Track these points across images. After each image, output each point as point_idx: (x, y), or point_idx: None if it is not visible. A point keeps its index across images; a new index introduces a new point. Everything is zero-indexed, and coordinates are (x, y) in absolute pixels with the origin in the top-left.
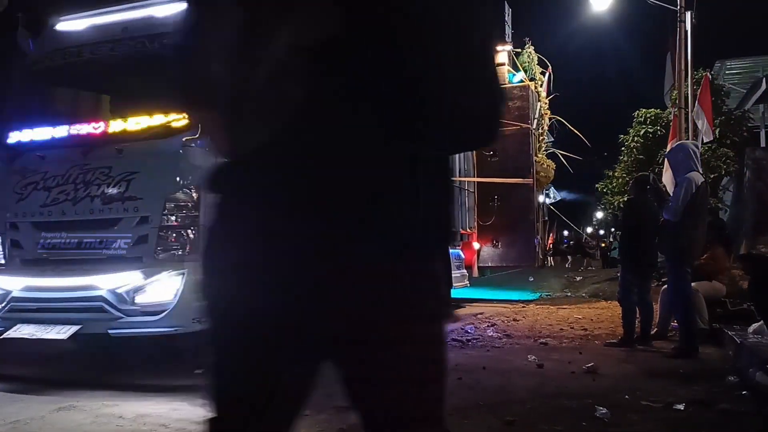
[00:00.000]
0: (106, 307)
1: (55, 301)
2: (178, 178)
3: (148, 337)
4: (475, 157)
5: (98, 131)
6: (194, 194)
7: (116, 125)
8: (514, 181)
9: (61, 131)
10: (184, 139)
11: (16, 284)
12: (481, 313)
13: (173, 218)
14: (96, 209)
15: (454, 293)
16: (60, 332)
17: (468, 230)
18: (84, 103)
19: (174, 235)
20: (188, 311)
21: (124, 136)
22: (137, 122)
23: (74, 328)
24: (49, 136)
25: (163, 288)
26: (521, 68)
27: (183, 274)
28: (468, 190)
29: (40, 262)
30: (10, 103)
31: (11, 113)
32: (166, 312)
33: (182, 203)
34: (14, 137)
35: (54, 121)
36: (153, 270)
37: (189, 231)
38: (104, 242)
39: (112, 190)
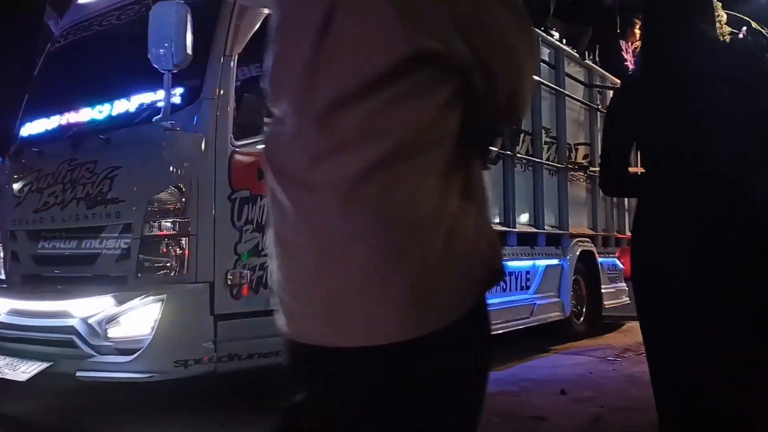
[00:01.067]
0: (76, 341)
1: (29, 330)
2: (161, 174)
3: (118, 383)
4: None
5: (84, 117)
6: (182, 194)
7: (102, 107)
8: None
9: (54, 121)
10: (165, 123)
11: (2, 307)
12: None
13: (156, 226)
14: (81, 215)
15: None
16: (25, 371)
17: (630, 233)
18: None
19: (157, 248)
20: (168, 351)
21: (109, 122)
22: (121, 102)
23: (42, 367)
24: (43, 128)
25: (136, 319)
26: None
27: (162, 300)
28: None
29: (34, 279)
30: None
31: (26, 101)
32: (139, 351)
33: (168, 206)
34: (27, 128)
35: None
36: (128, 294)
37: (174, 243)
38: (91, 257)
39: (95, 190)
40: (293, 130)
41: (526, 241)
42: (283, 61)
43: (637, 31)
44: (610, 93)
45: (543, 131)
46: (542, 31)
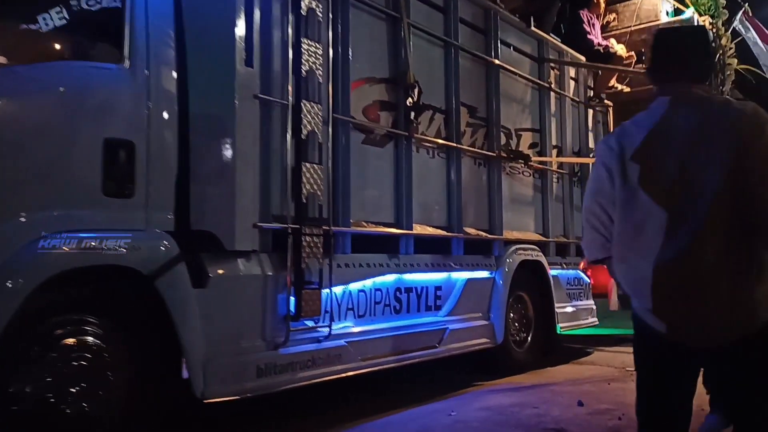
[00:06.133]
0: None
1: None
2: None
3: None
4: (611, 128)
5: None
6: None
7: None
8: None
9: None
10: None
11: None
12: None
13: None
14: None
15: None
16: None
17: None
18: None
19: None
20: None
21: None
22: None
23: None
24: None
25: None
26: (691, 2)
27: None
28: None
29: None
30: None
31: None
32: None
33: None
34: None
35: None
36: None
37: None
38: None
39: None
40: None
41: (436, 247)
42: None
43: (602, 2)
44: (571, 72)
45: (466, 110)
46: None
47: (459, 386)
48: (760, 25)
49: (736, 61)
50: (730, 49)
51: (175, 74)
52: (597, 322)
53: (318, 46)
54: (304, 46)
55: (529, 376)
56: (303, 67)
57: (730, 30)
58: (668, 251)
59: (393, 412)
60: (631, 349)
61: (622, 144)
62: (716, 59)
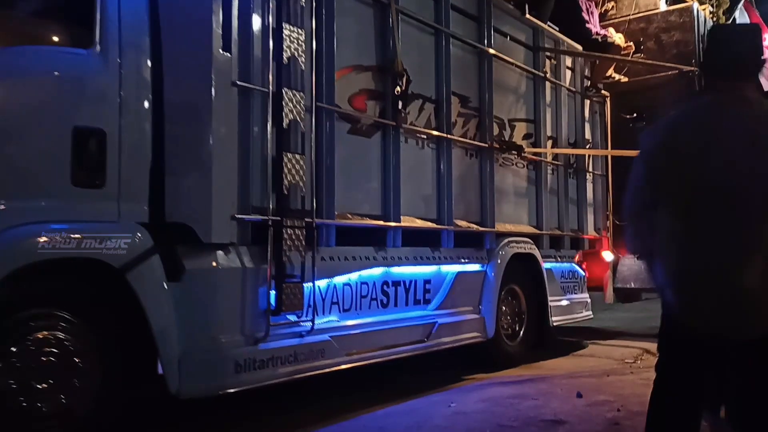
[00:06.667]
0: None
1: None
2: None
3: None
4: (608, 119)
5: None
6: None
7: None
8: None
9: None
10: None
11: None
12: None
13: None
14: None
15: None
16: None
17: (595, 234)
18: None
19: None
20: None
21: None
22: None
23: None
24: None
25: None
26: None
27: None
28: (595, 173)
29: None
30: None
31: None
32: None
33: None
34: None
35: None
36: None
37: None
38: None
39: None
40: None
41: (426, 240)
42: None
43: None
44: (567, 61)
45: (458, 100)
46: None
47: (452, 380)
48: (758, 15)
49: None
50: None
51: (149, 60)
52: (591, 316)
53: (300, 31)
54: (286, 32)
55: (526, 369)
56: (284, 53)
57: (731, 19)
58: (708, 249)
59: (392, 403)
60: (628, 342)
61: (665, 139)
62: None
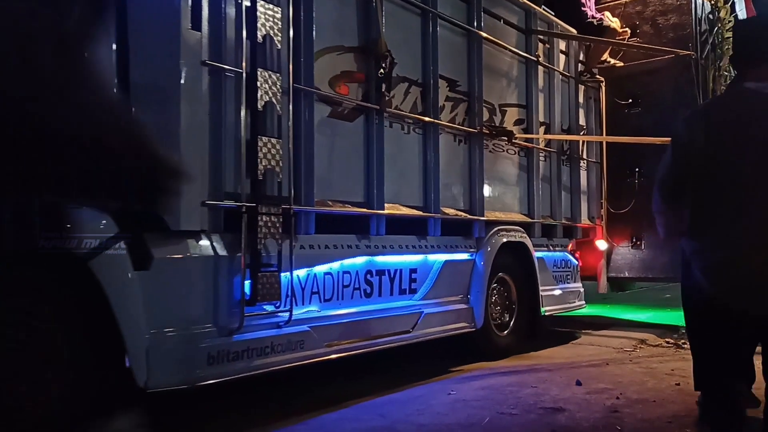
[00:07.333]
0: None
1: None
2: None
3: None
4: (603, 104)
5: None
6: None
7: None
8: (666, 142)
9: None
10: None
11: None
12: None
13: None
14: None
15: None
16: None
17: (589, 222)
18: None
19: None
20: None
21: None
22: None
23: None
24: None
25: None
26: None
27: None
28: (589, 160)
29: None
30: None
31: None
32: None
33: None
34: None
35: None
36: None
37: None
38: None
39: None
40: None
41: (412, 228)
42: None
43: None
44: (561, 45)
45: (446, 84)
46: None
47: (445, 371)
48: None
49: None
50: (729, 22)
51: (113, 38)
52: (585, 305)
53: (276, 9)
54: (260, 9)
55: (522, 359)
56: (259, 32)
57: (730, 2)
58: (749, 231)
59: (390, 392)
60: (624, 333)
61: (703, 126)
62: (714, 32)
